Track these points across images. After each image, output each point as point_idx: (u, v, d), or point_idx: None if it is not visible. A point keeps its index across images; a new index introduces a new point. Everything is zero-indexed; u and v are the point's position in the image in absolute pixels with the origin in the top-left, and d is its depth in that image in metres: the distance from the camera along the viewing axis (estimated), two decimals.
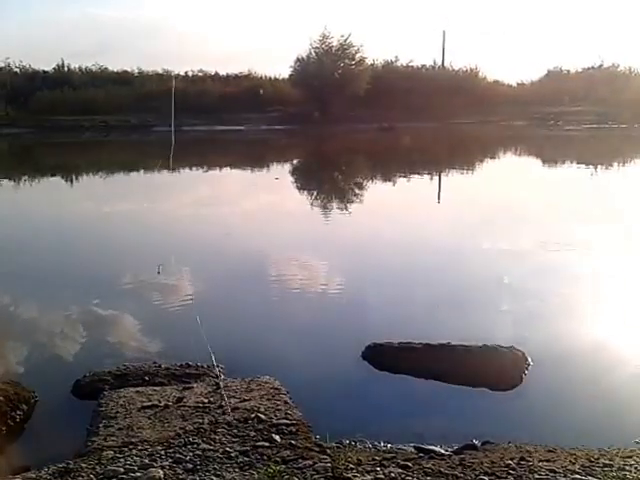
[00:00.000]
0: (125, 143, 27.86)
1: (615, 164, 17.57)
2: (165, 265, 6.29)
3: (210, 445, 2.70)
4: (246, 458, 2.59)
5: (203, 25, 61.89)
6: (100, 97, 33.55)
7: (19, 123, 29.82)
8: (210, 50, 57.22)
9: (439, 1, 68.29)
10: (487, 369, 3.86)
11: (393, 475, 2.48)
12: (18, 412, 3.37)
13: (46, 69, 36.90)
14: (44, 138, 28.03)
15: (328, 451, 2.69)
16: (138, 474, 2.45)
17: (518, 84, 41.01)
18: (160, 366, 3.89)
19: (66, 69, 37.49)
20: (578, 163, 17.91)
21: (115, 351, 4.39)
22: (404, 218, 9.80)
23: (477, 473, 2.49)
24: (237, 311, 5.27)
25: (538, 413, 3.50)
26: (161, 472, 2.46)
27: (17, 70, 36.08)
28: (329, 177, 15.89)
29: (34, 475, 2.54)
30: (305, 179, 16.17)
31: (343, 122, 30.97)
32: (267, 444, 2.71)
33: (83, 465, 2.57)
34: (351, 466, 2.55)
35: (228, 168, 18.43)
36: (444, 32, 40.37)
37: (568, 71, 40.99)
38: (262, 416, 2.98)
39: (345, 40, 35.77)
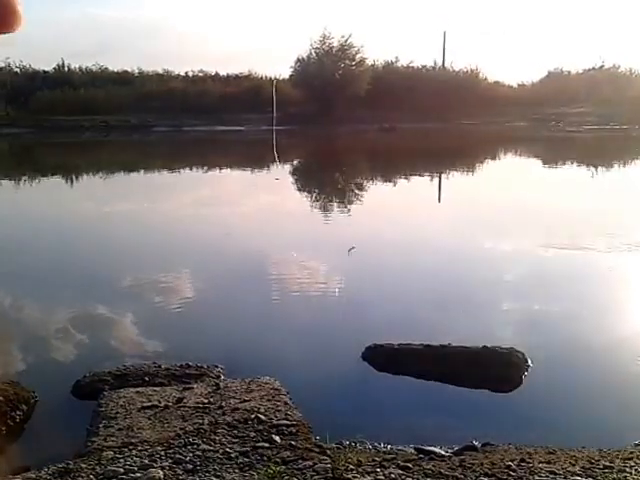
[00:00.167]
0: (126, 143, 27.86)
1: (616, 165, 17.57)
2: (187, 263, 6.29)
3: (210, 446, 2.70)
4: (246, 459, 2.59)
5: (203, 25, 61.97)
6: (100, 97, 33.56)
7: (19, 123, 29.81)
8: (210, 50, 57.34)
9: (439, 1, 68.36)
10: (487, 370, 3.86)
11: (393, 476, 2.48)
12: (18, 412, 3.36)
13: (46, 69, 36.94)
14: (44, 138, 28.03)
15: (328, 452, 2.69)
16: (138, 474, 2.45)
17: (519, 85, 41.03)
18: (160, 366, 3.89)
19: (66, 69, 37.50)
20: (579, 164, 17.91)
21: (115, 351, 4.39)
22: (404, 218, 9.80)
23: (477, 474, 2.49)
24: (237, 311, 5.26)
25: (538, 414, 3.50)
26: (161, 473, 2.46)
27: (17, 70, 36.09)
28: (329, 177, 15.88)
29: (34, 475, 2.54)
30: (305, 179, 16.18)
31: (344, 123, 30.97)
32: (267, 445, 2.71)
33: (83, 465, 2.57)
34: (351, 467, 2.55)
35: (228, 168, 18.44)
36: (444, 32, 40.43)
37: (569, 72, 40.99)
38: (262, 417, 2.98)
39: (345, 41, 35.84)
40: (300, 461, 2.57)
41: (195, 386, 3.46)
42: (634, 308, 5.19)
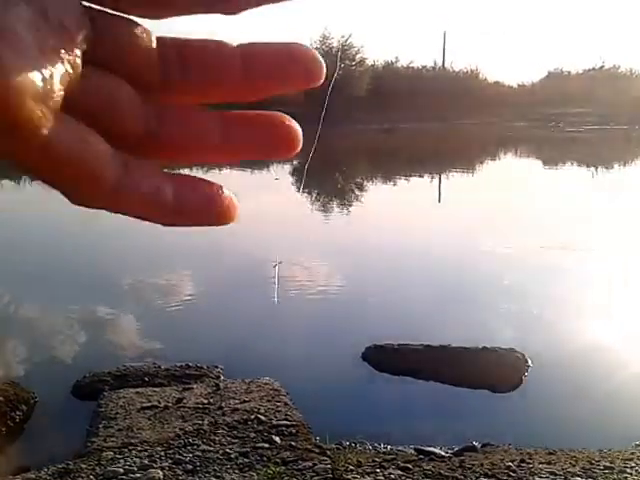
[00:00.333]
0: None
1: (616, 166, 17.57)
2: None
3: (210, 446, 2.70)
4: (246, 459, 2.59)
5: (203, 25, 61.78)
6: None
7: None
8: None
9: (439, 1, 68.41)
10: (487, 371, 3.86)
11: (393, 477, 2.48)
12: (18, 413, 3.36)
13: None
14: None
15: (328, 452, 2.69)
16: (138, 475, 2.45)
17: (519, 85, 41.07)
18: (160, 367, 3.89)
19: None
20: (579, 165, 17.91)
21: (115, 351, 4.39)
22: (404, 218, 9.79)
23: (477, 475, 2.49)
24: (237, 311, 5.26)
25: (538, 415, 3.49)
26: (161, 473, 2.45)
27: None
28: (329, 178, 15.89)
29: (34, 475, 2.54)
30: (305, 179, 16.16)
31: (343, 123, 30.96)
32: (267, 445, 2.71)
33: (83, 466, 2.56)
34: (351, 467, 2.55)
35: (228, 168, 18.44)
36: (445, 33, 40.47)
37: (569, 72, 41.02)
38: (262, 417, 2.98)
39: (345, 41, 35.87)
40: (300, 462, 2.57)
41: (195, 386, 3.46)
42: (634, 308, 5.19)
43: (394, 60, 39.46)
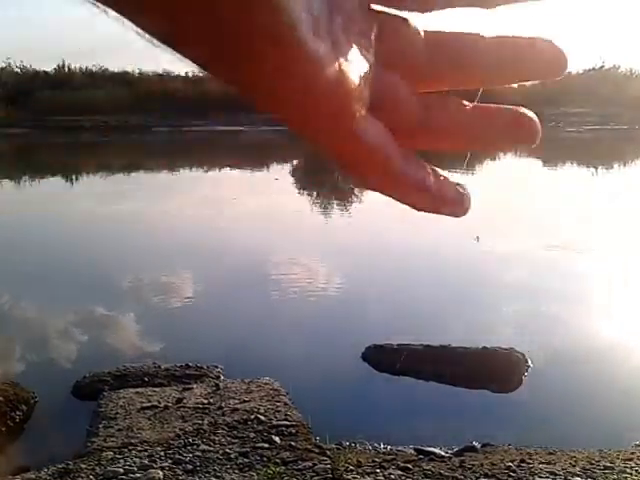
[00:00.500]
0: (126, 143, 27.87)
1: (616, 166, 17.57)
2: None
3: (210, 446, 2.70)
4: (246, 459, 2.59)
5: None
6: (100, 97, 33.59)
7: (19, 123, 29.83)
8: None
9: None
10: (487, 371, 3.86)
11: (393, 477, 2.48)
12: (18, 412, 3.36)
13: (46, 69, 37.00)
14: (44, 138, 28.05)
15: (328, 452, 2.69)
16: (138, 475, 2.45)
17: (518, 85, 40.96)
18: (160, 367, 3.89)
19: (66, 69, 37.56)
20: (579, 165, 17.91)
21: (115, 351, 4.39)
22: (404, 218, 9.78)
23: (477, 475, 2.49)
24: (237, 311, 5.26)
25: (538, 415, 3.49)
26: (161, 473, 2.45)
27: (17, 70, 36.15)
28: (329, 177, 15.88)
29: (34, 475, 2.54)
30: (305, 179, 16.18)
31: None
32: (267, 445, 2.71)
33: (83, 466, 2.56)
34: (351, 468, 2.55)
35: (227, 169, 18.44)
36: None
37: (569, 72, 40.67)
38: (262, 417, 2.98)
39: None
40: (300, 462, 2.57)
41: (195, 386, 3.46)
42: (634, 309, 5.19)
43: None
